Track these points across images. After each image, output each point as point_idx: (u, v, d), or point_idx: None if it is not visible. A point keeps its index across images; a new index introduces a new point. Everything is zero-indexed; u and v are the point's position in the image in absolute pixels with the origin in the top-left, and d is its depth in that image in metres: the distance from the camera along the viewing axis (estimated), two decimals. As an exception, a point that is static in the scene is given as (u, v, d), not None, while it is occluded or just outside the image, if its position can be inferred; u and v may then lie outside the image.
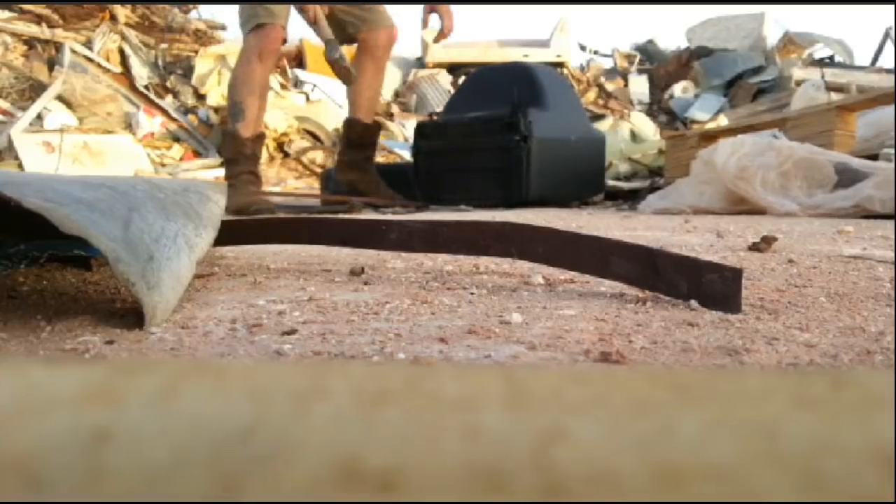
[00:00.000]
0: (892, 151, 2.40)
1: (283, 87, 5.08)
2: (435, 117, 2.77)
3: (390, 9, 2.71)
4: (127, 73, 4.83)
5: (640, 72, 6.69)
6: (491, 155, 2.74)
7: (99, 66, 4.73)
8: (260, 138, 2.56)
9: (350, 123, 2.79)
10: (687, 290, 0.70)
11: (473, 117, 2.79)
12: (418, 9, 2.80)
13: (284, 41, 2.58)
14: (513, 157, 2.69)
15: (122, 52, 4.92)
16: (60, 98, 4.47)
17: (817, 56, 6.53)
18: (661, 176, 3.34)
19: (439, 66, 6.22)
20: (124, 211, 0.68)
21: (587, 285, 0.83)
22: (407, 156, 4.69)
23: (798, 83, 5.18)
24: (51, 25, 4.78)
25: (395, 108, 5.57)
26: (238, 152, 2.48)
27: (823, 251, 1.11)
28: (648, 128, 4.80)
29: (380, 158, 4.55)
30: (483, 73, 3.09)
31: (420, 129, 2.79)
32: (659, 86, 6.43)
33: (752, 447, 0.14)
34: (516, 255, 0.85)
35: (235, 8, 2.58)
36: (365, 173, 2.78)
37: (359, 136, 2.76)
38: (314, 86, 5.31)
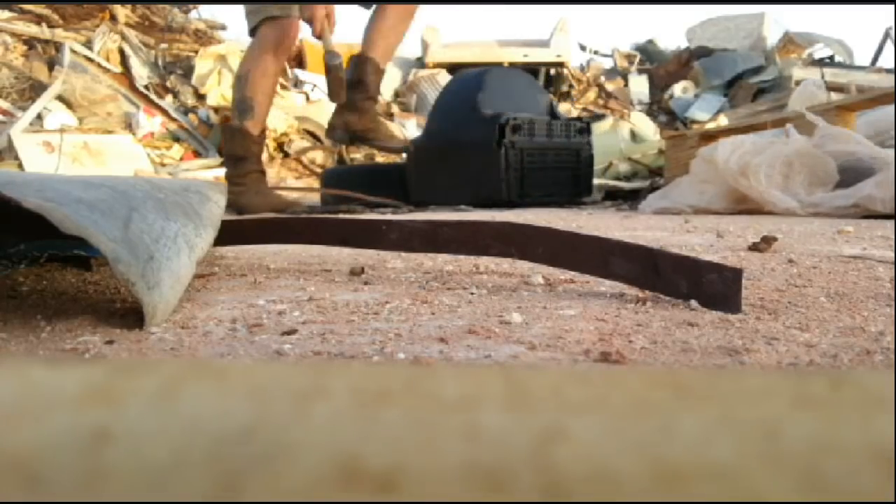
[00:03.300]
0: (893, 151, 2.39)
1: (283, 87, 5.08)
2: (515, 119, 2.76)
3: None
4: (127, 73, 4.83)
5: (640, 72, 6.69)
6: (568, 155, 2.96)
7: (99, 66, 4.72)
8: (264, 134, 2.48)
9: (359, 62, 2.40)
10: (687, 290, 0.70)
11: (550, 120, 2.93)
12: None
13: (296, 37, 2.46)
14: (583, 157, 2.99)
15: (122, 52, 4.92)
16: (60, 98, 4.47)
17: (817, 56, 6.52)
18: (661, 176, 3.34)
19: (439, 66, 6.21)
20: (124, 211, 0.68)
21: (587, 285, 0.83)
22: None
23: (798, 83, 5.18)
24: (51, 25, 4.77)
25: (395, 108, 5.56)
26: (247, 150, 2.39)
27: (823, 251, 1.11)
28: (648, 128, 4.79)
29: (379, 158, 4.55)
30: (493, 74, 3.07)
31: (516, 128, 2.75)
32: (659, 86, 6.43)
33: (752, 447, 0.14)
34: (516, 255, 0.85)
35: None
36: (364, 114, 2.43)
37: (365, 76, 2.39)
38: (314, 86, 5.31)
